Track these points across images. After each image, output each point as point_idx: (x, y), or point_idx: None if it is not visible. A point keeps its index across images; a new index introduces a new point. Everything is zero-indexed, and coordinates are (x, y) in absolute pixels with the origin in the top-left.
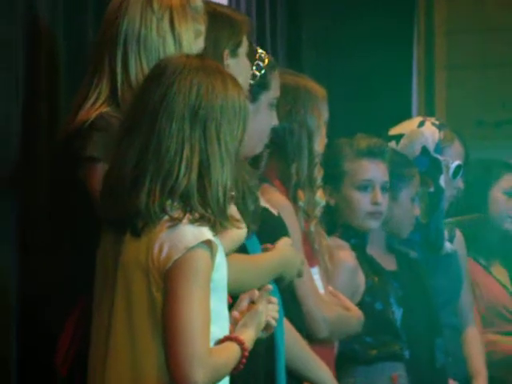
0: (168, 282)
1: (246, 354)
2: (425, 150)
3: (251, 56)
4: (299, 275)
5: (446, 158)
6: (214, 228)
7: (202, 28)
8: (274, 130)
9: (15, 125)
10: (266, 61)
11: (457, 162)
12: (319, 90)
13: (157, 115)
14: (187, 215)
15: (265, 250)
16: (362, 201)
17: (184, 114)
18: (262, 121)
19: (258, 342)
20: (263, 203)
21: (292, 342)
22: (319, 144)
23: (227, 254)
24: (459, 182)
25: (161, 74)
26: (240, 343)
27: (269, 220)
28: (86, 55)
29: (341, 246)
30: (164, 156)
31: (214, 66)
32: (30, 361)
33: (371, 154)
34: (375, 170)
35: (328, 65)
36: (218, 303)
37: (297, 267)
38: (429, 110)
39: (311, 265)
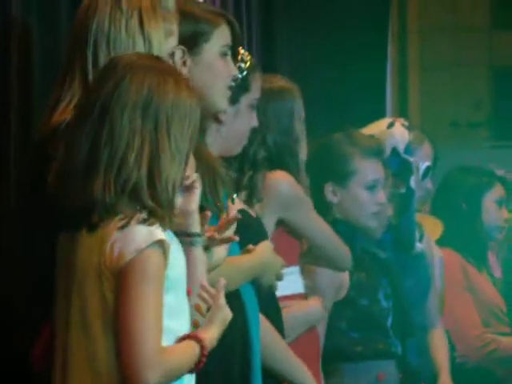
0: (119, 283)
1: (205, 352)
2: (395, 151)
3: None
4: (278, 279)
5: (415, 159)
6: (164, 224)
7: (174, 27)
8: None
9: None
10: (248, 63)
11: (426, 164)
12: (292, 89)
13: (109, 105)
14: (137, 214)
15: (246, 250)
16: (370, 201)
17: (136, 106)
18: (241, 122)
19: (232, 341)
20: (241, 205)
21: (270, 341)
22: (303, 149)
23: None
24: (428, 183)
25: (112, 68)
26: (198, 341)
27: (248, 222)
28: (60, 54)
29: None
30: (117, 146)
31: (167, 66)
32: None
33: (377, 153)
34: (381, 170)
35: (302, 64)
36: (177, 299)
37: (276, 271)
38: (402, 112)
39: (293, 262)
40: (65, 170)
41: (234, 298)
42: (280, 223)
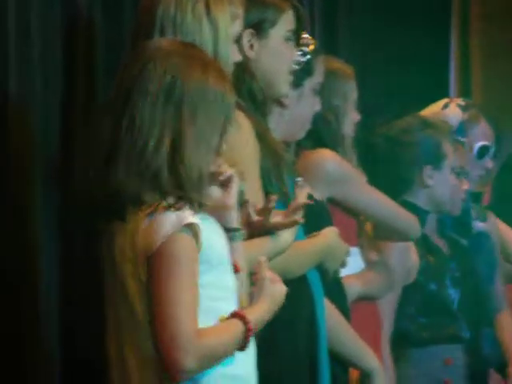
0: (150, 269)
1: (250, 330)
2: None
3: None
4: (343, 265)
5: (468, 139)
6: (193, 207)
7: (239, 11)
8: None
9: (55, 116)
10: (311, 46)
11: (481, 143)
12: (345, 70)
13: (131, 91)
14: (163, 201)
15: (312, 236)
16: (458, 186)
17: (158, 92)
18: (304, 107)
19: (299, 326)
20: (308, 189)
21: (335, 325)
22: (349, 127)
23: (270, 259)
24: (488, 163)
25: (140, 53)
26: (242, 318)
27: (312, 206)
28: (124, 46)
29: None
30: (137, 134)
31: (198, 52)
32: (74, 361)
33: (455, 140)
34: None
35: (364, 47)
36: (220, 278)
37: (341, 257)
38: (466, 94)
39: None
40: (90, 156)
41: (301, 283)
42: (331, 201)
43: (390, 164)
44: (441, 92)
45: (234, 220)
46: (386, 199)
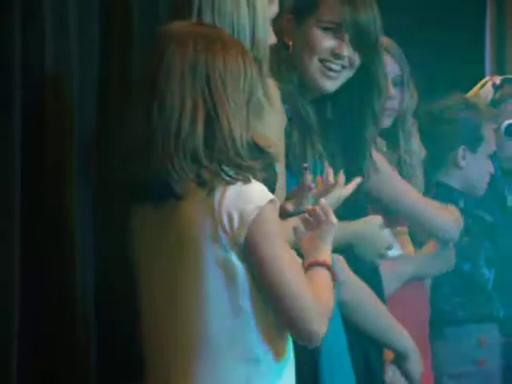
0: (251, 248)
1: (335, 272)
2: None
3: None
4: (382, 256)
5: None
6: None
7: None
8: None
9: (91, 92)
10: None
11: (508, 121)
12: None
13: (156, 74)
14: (236, 176)
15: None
16: (488, 170)
17: (183, 71)
18: None
19: None
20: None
21: (364, 303)
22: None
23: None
24: None
25: (160, 37)
26: (324, 264)
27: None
28: (161, 17)
29: None
30: (170, 114)
31: (216, 32)
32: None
33: (494, 121)
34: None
35: (400, 26)
36: None
37: (378, 250)
38: (501, 72)
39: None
40: (125, 145)
41: None
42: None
43: (428, 139)
44: (476, 71)
45: None
46: (416, 194)
